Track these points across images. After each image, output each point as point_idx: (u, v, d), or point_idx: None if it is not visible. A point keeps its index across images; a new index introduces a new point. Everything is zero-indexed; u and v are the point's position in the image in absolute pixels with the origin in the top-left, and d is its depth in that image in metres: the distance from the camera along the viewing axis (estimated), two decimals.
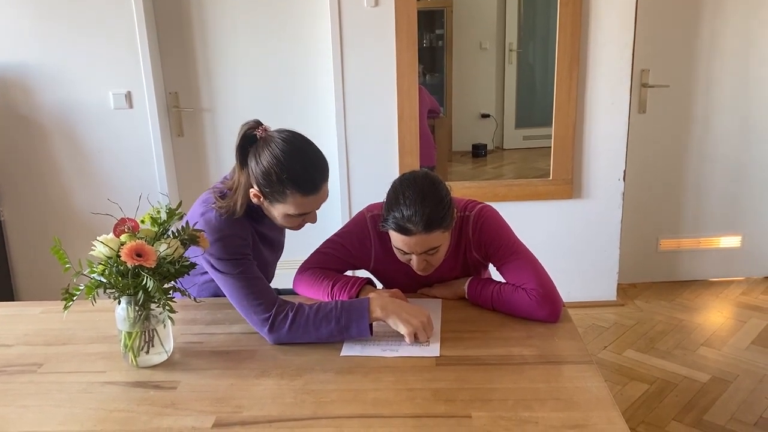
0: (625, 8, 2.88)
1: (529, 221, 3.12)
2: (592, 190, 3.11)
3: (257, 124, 1.51)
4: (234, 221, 1.53)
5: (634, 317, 3.12)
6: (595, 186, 3.11)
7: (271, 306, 1.48)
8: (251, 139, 1.51)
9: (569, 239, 3.18)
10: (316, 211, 1.60)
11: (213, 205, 1.54)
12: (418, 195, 1.47)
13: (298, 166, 1.47)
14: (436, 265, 1.60)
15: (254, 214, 1.59)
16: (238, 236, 1.53)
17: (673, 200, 3.38)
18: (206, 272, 1.61)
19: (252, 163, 1.49)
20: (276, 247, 1.78)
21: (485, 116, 3.47)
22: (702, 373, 2.61)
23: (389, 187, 1.55)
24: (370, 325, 1.47)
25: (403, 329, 1.46)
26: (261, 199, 1.53)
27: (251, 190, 1.52)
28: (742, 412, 2.35)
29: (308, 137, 1.54)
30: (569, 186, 3.08)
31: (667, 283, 3.48)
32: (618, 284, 3.28)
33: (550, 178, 3.08)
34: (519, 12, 3.33)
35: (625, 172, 3.08)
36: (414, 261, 1.56)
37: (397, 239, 1.52)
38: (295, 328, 1.46)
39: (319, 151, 1.53)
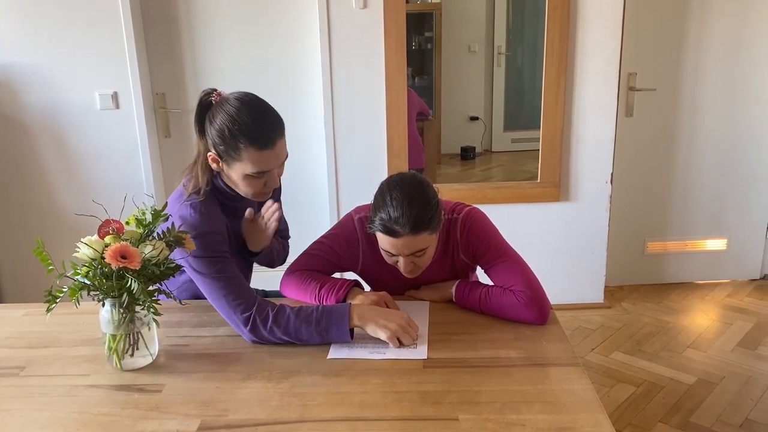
0: (612, 12, 2.89)
1: (517, 224, 3.12)
2: (579, 192, 3.12)
3: (213, 90, 1.51)
4: (209, 217, 1.51)
5: (620, 319, 3.13)
6: (582, 189, 3.12)
7: (251, 305, 1.47)
8: (208, 106, 1.51)
9: (557, 242, 3.19)
10: (279, 177, 1.57)
11: (186, 201, 1.52)
12: (405, 196, 1.47)
13: (250, 120, 1.45)
14: (423, 268, 1.60)
15: (227, 209, 1.58)
16: (216, 233, 1.51)
17: (660, 203, 3.40)
18: (185, 272, 1.59)
19: (207, 127, 1.49)
20: None
21: (474, 119, 3.48)
22: (688, 375, 2.62)
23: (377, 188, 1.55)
24: (352, 330, 1.46)
25: (382, 335, 1.45)
26: (219, 164, 1.51)
27: (209, 154, 1.51)
28: (728, 414, 2.36)
29: (265, 98, 1.53)
30: (557, 189, 3.09)
31: (654, 285, 3.50)
32: (605, 287, 3.29)
33: (538, 180, 3.09)
34: (508, 15, 3.34)
35: (612, 174, 3.10)
36: (401, 263, 1.55)
37: (384, 241, 1.52)
38: (275, 327, 1.45)
39: (273, 108, 1.52)
